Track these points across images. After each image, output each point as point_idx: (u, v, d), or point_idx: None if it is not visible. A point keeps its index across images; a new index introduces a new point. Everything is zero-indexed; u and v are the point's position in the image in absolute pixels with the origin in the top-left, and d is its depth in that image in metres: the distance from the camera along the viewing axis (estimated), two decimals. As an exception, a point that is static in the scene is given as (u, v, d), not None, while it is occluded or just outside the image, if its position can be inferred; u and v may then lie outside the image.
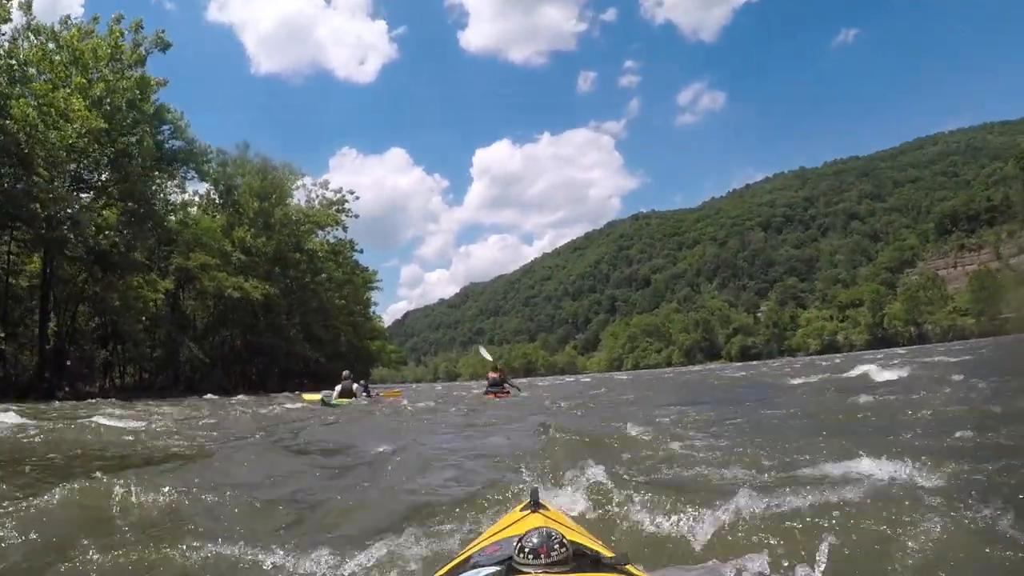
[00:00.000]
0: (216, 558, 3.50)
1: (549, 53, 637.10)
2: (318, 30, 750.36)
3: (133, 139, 39.82)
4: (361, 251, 77.77)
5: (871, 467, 4.39)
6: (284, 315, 61.09)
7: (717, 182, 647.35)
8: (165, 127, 44.15)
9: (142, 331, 46.57)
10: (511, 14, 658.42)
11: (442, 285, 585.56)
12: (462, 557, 2.26)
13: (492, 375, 23.75)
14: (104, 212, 39.79)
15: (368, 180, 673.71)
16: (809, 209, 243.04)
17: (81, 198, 39.95)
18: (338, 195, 68.66)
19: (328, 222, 67.69)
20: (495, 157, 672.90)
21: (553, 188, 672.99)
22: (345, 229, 70.12)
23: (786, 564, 2.95)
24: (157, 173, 43.79)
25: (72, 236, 35.21)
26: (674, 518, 3.68)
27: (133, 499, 4.44)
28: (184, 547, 3.56)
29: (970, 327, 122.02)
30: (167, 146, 44.49)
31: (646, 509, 3.87)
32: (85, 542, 3.60)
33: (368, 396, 23.28)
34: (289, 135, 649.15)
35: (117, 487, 4.49)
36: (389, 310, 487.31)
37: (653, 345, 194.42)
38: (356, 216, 70.11)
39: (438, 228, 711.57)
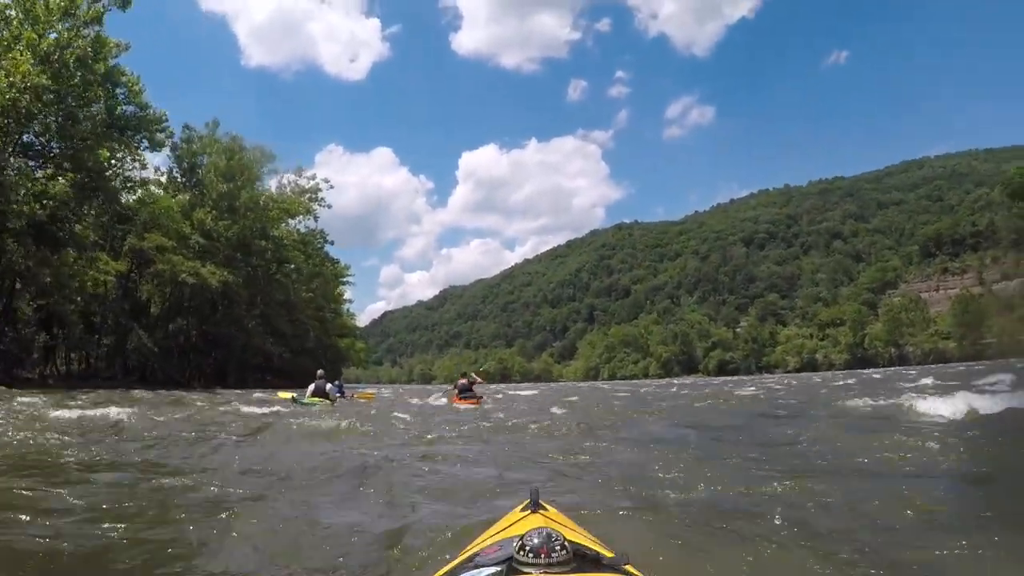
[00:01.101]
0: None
1: (541, 60, 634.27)
2: (311, 25, 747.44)
3: (81, 101, 36.65)
4: (332, 243, 75.00)
5: None
6: (244, 305, 57.63)
7: (701, 196, 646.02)
8: (119, 91, 40.44)
9: (75, 313, 42.32)
10: (505, 19, 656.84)
11: (422, 287, 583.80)
12: (463, 557, 2.29)
13: (462, 381, 23.33)
14: (49, 182, 36.67)
15: (353, 178, 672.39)
16: (792, 227, 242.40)
17: (27, 165, 36.96)
18: (311, 183, 65.81)
19: (299, 210, 64.55)
20: (481, 161, 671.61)
21: (538, 195, 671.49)
22: (316, 219, 67.45)
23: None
24: (115, 143, 40.27)
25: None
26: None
27: None
28: None
29: (951, 351, 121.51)
30: (119, 111, 40.70)
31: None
32: None
33: (342, 397, 23.13)
34: (277, 129, 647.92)
35: None
36: (367, 310, 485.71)
37: (630, 356, 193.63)
38: (329, 206, 67.59)
39: (420, 230, 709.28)
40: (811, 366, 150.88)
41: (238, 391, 38.13)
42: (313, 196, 65.30)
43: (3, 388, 25.77)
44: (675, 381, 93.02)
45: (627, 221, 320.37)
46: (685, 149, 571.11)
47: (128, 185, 46.47)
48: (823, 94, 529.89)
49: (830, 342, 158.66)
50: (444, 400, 26.14)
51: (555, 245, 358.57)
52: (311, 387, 21.27)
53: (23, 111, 33.57)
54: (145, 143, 44.29)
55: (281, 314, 63.17)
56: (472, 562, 2.06)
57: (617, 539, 3.27)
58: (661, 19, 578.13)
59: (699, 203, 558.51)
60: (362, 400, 25.49)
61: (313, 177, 66.10)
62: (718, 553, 3.59)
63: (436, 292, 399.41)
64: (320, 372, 22.61)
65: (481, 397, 23.41)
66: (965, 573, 3.42)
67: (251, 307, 58.90)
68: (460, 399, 22.38)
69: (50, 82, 33.48)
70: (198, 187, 56.04)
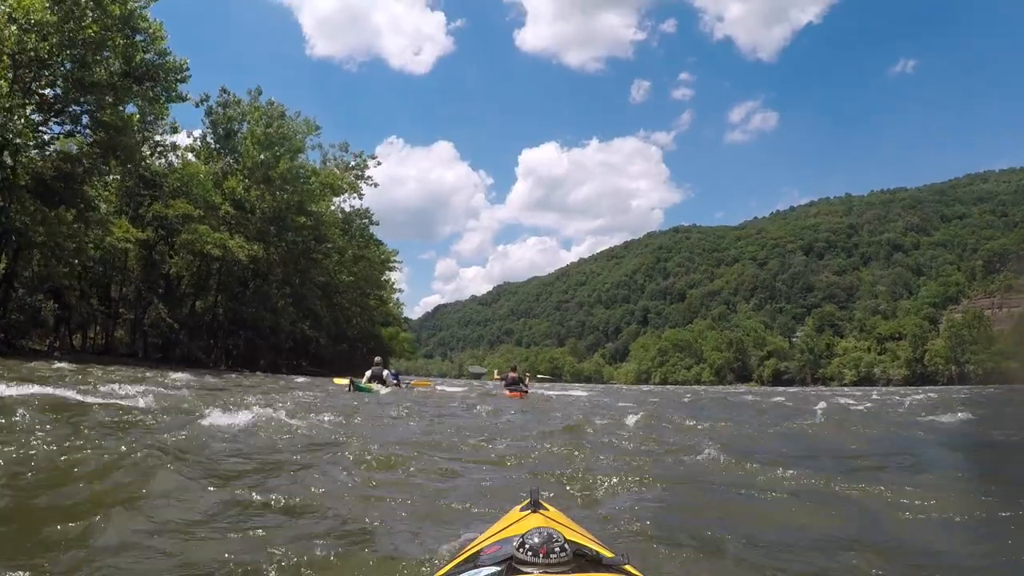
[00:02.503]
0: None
1: (605, 59, 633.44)
2: (376, 16, 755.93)
3: (94, 47, 33.06)
4: (377, 223, 71.15)
5: None
6: (276, 284, 54.54)
7: (761, 202, 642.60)
8: (139, 38, 35.96)
9: (69, 276, 37.26)
10: (570, 17, 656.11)
11: (477, 282, 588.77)
12: (463, 557, 2.28)
13: (512, 375, 25.88)
14: (64, 139, 34.95)
15: (413, 171, 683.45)
16: (853, 236, 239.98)
17: (42, 119, 34.46)
18: (358, 159, 62.53)
19: (342, 186, 60.99)
20: (541, 159, 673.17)
21: (597, 195, 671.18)
22: (361, 197, 63.92)
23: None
24: (137, 99, 37.17)
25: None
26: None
27: None
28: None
29: (1014, 371, 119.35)
30: (139, 59, 35.92)
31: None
32: None
33: (398, 384, 23.74)
34: (338, 120, 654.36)
35: None
36: (422, 302, 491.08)
37: (683, 361, 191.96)
38: (376, 185, 64.55)
39: (478, 225, 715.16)
40: (868, 380, 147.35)
41: (277, 376, 37.05)
42: (359, 174, 62.54)
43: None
44: (738, 388, 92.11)
45: (685, 224, 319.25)
46: (747, 154, 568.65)
47: (159, 149, 44.43)
48: (888, 103, 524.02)
49: (889, 356, 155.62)
50: (493, 383, 27.74)
51: (611, 246, 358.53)
52: (368, 373, 22.61)
53: (32, 56, 31.24)
54: (164, 95, 39.12)
55: (319, 297, 59.93)
56: (472, 562, 2.11)
57: (617, 539, 3.64)
58: (728, 21, 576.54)
59: (759, 209, 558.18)
60: (419, 388, 26.41)
61: (360, 153, 63.09)
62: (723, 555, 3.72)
63: (490, 288, 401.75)
64: (377, 359, 24.32)
65: (527, 391, 25.85)
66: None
67: (283, 286, 55.63)
68: (509, 391, 24.71)
69: (56, 19, 30.77)
70: (233, 155, 52.89)
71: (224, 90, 52.84)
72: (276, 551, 3.44)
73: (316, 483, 5.19)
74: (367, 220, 70.05)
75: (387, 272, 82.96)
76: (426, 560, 3.41)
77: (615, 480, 5.87)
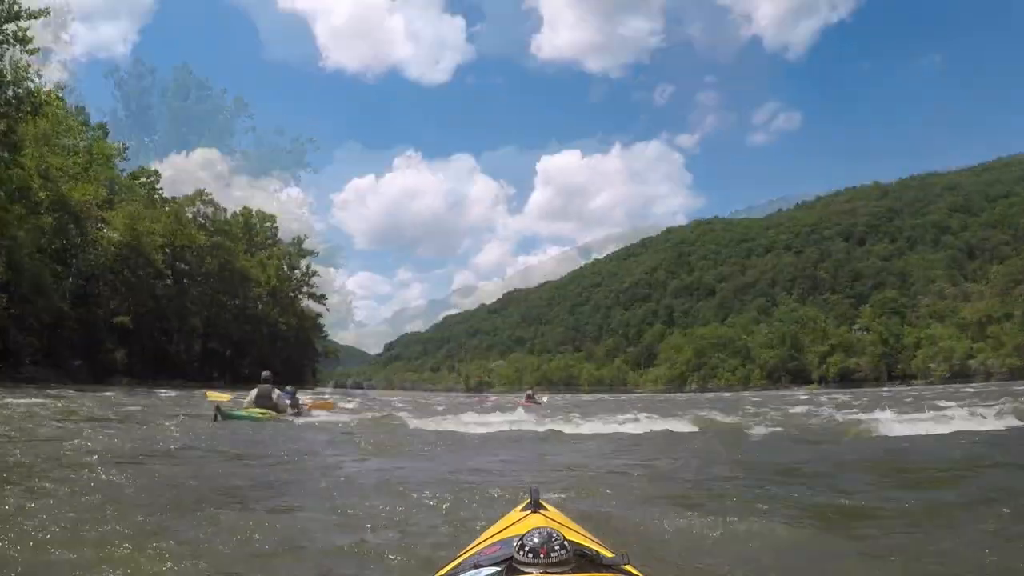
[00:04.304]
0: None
1: (627, 65, 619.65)
2: (392, 24, 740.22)
3: None
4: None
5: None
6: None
7: (784, 204, 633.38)
8: None
9: None
10: (592, 22, 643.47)
11: (497, 294, 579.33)
12: (463, 557, 2.34)
13: (528, 392, 41.29)
14: None
15: (431, 183, 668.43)
16: (894, 220, 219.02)
17: None
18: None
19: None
20: (561, 166, 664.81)
21: (617, 202, 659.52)
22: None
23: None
24: None
25: None
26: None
27: None
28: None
29: None
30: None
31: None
32: None
33: (292, 407, 18.74)
34: (355, 132, 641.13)
35: None
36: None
37: (726, 362, 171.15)
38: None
39: (496, 236, 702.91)
40: (963, 374, 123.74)
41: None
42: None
43: None
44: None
45: (707, 217, 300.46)
46: (772, 155, 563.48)
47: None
48: (914, 98, 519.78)
49: (991, 343, 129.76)
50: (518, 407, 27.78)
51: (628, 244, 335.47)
52: (253, 392, 17.81)
53: None
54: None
55: (199, 289, 45.67)
56: (472, 562, 2.08)
57: (618, 539, 3.56)
58: (755, 21, 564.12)
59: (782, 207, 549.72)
60: (319, 411, 21.54)
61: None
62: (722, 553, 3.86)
63: (500, 295, 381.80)
64: (266, 374, 18.54)
65: (541, 403, 37.23)
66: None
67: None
68: (528, 402, 34.43)
69: None
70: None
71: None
72: (278, 548, 3.86)
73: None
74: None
75: (303, 257, 67.88)
76: (426, 561, 3.52)
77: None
